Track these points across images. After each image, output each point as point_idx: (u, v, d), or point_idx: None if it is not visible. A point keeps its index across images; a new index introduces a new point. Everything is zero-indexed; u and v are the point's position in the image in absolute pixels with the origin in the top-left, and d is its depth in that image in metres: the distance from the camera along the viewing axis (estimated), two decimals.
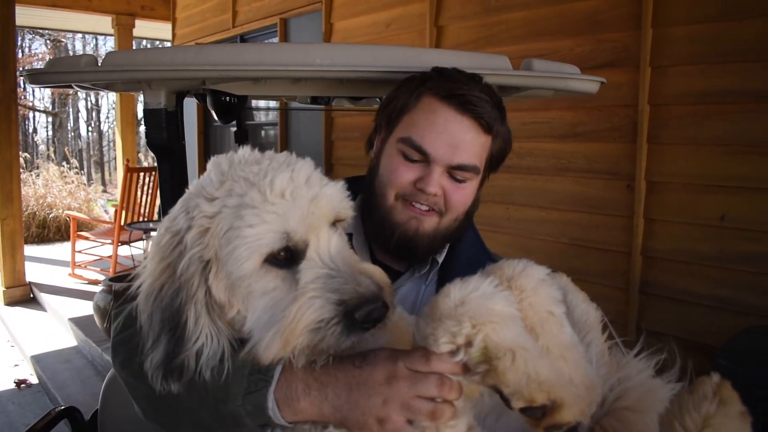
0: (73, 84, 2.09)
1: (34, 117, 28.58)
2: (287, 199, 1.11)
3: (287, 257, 1.12)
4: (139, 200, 8.54)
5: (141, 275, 1.21)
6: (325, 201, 1.15)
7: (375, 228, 1.75)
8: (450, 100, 1.64)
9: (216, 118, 2.44)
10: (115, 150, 16.15)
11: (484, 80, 1.72)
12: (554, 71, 2.08)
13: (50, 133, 30.18)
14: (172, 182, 2.27)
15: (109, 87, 2.24)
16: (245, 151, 1.22)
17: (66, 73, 1.98)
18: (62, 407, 2.18)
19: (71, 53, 27.15)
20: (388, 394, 1.13)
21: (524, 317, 1.18)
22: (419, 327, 1.14)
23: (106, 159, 28.89)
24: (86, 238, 8.87)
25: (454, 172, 1.67)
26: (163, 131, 2.13)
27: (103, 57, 1.94)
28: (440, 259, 1.82)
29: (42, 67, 2.09)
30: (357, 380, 1.16)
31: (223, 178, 1.17)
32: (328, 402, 1.16)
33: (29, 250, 9.58)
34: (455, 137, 1.64)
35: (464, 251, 1.84)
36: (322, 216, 1.15)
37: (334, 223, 1.20)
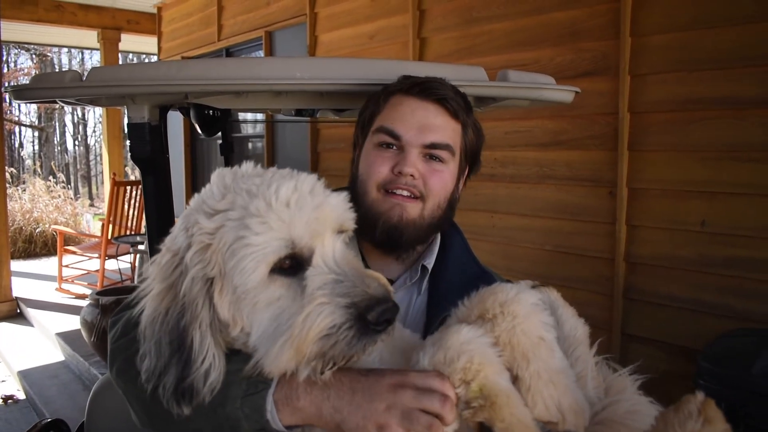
0: (57, 99, 2.11)
1: (20, 132, 28.43)
2: (292, 207, 1.11)
3: (292, 265, 1.12)
4: (126, 214, 8.52)
5: (143, 298, 1.19)
6: (329, 209, 1.16)
7: (359, 224, 1.74)
8: (412, 90, 1.73)
9: (199, 131, 2.46)
10: (102, 164, 16.08)
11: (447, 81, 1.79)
12: (529, 82, 2.12)
13: (36, 147, 30.02)
14: (156, 195, 2.28)
15: (93, 102, 2.25)
16: (248, 166, 1.23)
17: (50, 88, 2.00)
18: (48, 420, 2.18)
19: (57, 67, 27.05)
20: (392, 400, 1.14)
21: (517, 342, 1.21)
22: (428, 353, 1.18)
23: (93, 173, 28.74)
24: (73, 253, 8.83)
25: (429, 151, 1.71)
26: (147, 145, 2.14)
27: (87, 72, 1.96)
28: (430, 267, 1.82)
29: (27, 82, 2.11)
30: (362, 385, 1.17)
31: (225, 191, 1.16)
32: (329, 402, 1.16)
33: (16, 265, 9.53)
34: (423, 120, 1.71)
35: (454, 260, 1.85)
36: (326, 223, 1.15)
37: (338, 233, 1.20)
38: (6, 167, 9.30)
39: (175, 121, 9.00)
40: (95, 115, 27.73)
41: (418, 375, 1.16)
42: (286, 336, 1.08)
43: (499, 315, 1.24)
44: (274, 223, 1.09)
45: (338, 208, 1.20)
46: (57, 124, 29.83)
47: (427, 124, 1.70)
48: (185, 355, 1.11)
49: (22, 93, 2.11)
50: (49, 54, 26.70)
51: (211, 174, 1.23)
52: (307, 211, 1.12)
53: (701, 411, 1.07)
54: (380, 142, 1.74)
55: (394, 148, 1.72)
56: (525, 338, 1.22)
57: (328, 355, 1.09)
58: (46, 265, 10.88)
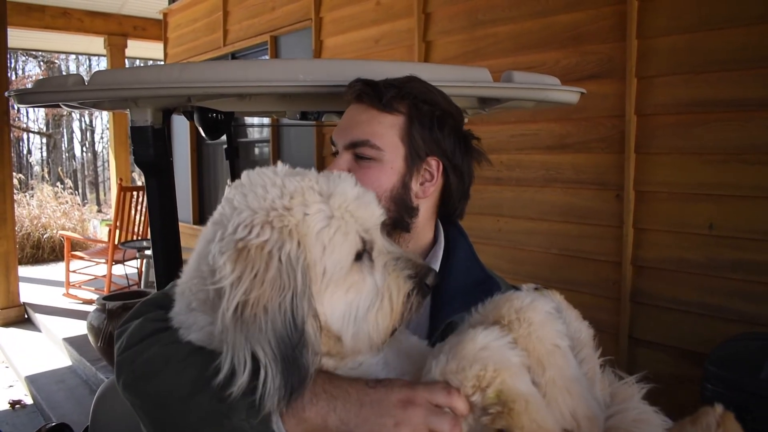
0: (61, 103, 2.11)
1: (28, 138, 28.60)
2: (361, 202, 1.24)
3: (359, 253, 1.22)
4: (132, 219, 8.55)
5: (216, 298, 1.12)
6: (377, 203, 1.30)
7: None
8: (345, 96, 1.77)
9: (203, 134, 2.45)
10: (109, 170, 16.16)
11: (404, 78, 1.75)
12: (534, 83, 2.10)
13: (44, 154, 30.20)
14: (159, 199, 2.28)
15: (96, 105, 2.26)
16: (280, 166, 1.27)
17: (53, 92, 2.00)
18: (53, 424, 2.18)
19: (64, 74, 27.18)
20: (401, 417, 1.13)
21: (532, 349, 1.20)
22: (440, 362, 1.16)
23: (100, 179, 28.88)
24: (80, 258, 8.86)
25: (354, 151, 1.69)
26: (150, 148, 2.14)
27: (90, 76, 1.96)
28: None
29: (30, 87, 2.11)
30: (370, 398, 1.16)
31: (285, 190, 1.18)
32: (335, 414, 1.15)
33: (23, 270, 9.57)
34: (349, 121, 1.73)
35: (459, 265, 1.83)
36: (380, 214, 1.30)
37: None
38: (14, 173, 9.34)
39: (182, 125, 9.02)
40: (103, 121, 27.89)
41: (426, 388, 1.14)
42: (377, 307, 1.21)
43: (515, 321, 1.23)
44: (354, 217, 1.21)
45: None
46: (65, 130, 30.00)
47: (350, 123, 1.71)
48: (300, 349, 1.08)
49: (25, 97, 2.12)
50: (56, 61, 26.86)
51: (245, 175, 1.25)
52: (371, 205, 1.26)
53: (720, 424, 1.05)
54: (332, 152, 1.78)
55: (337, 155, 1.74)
56: (540, 345, 1.22)
57: (404, 319, 1.25)
58: (54, 270, 10.93)
